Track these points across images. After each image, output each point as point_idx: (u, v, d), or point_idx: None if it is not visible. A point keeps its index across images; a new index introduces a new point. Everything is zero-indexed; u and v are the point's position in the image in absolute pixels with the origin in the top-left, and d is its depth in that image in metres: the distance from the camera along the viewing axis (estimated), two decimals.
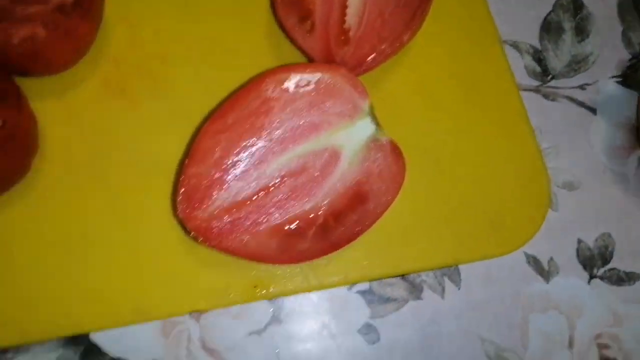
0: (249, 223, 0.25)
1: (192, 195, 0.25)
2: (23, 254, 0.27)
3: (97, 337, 0.27)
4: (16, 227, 0.28)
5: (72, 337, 0.27)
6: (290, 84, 0.26)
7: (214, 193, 0.25)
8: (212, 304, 0.28)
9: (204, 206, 0.25)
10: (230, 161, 0.26)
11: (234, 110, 0.26)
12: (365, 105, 0.27)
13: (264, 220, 0.25)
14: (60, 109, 0.29)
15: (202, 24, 0.32)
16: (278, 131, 0.26)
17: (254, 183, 0.25)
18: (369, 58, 0.27)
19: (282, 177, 0.25)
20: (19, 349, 0.27)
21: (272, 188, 0.25)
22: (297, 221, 0.25)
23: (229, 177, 0.25)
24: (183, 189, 0.25)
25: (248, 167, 0.26)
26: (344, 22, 0.27)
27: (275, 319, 0.28)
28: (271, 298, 0.28)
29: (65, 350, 0.27)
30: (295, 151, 0.26)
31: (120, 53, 0.31)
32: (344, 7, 0.27)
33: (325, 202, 0.25)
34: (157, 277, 0.27)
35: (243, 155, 0.26)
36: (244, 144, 0.26)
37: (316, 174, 0.26)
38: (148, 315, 0.27)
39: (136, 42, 0.31)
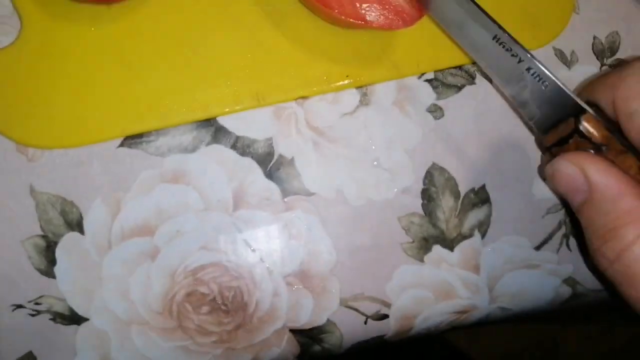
0: None
1: None
2: (156, 51, 0.31)
3: (224, 120, 0.33)
4: (144, 25, 0.31)
5: (204, 121, 0.32)
6: None
7: None
8: (313, 92, 0.33)
9: None
10: None
11: None
12: None
13: None
14: None
15: None
16: None
17: None
18: None
19: None
20: (159, 132, 0.32)
21: None
22: None
23: None
24: None
25: None
26: None
27: (362, 104, 0.34)
28: (359, 86, 0.34)
29: (199, 132, 0.32)
30: None
31: None
32: None
33: None
34: (272, 68, 0.32)
35: None
36: None
37: None
38: (264, 101, 0.32)
39: None
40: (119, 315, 0.30)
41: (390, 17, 0.31)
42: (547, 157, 0.30)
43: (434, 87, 0.35)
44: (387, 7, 0.30)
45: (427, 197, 0.34)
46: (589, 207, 0.25)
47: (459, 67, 0.35)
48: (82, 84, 0.31)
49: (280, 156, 0.33)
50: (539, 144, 0.34)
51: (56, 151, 0.31)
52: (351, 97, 0.34)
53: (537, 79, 0.28)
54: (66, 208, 0.31)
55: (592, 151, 0.26)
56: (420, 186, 0.34)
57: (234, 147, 0.33)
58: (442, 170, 0.34)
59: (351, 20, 0.30)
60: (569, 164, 0.26)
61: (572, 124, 0.26)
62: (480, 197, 0.34)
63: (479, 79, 0.35)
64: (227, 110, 0.32)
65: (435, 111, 0.35)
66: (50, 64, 0.31)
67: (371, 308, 0.33)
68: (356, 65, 0.33)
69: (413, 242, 0.33)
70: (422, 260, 0.33)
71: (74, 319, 0.30)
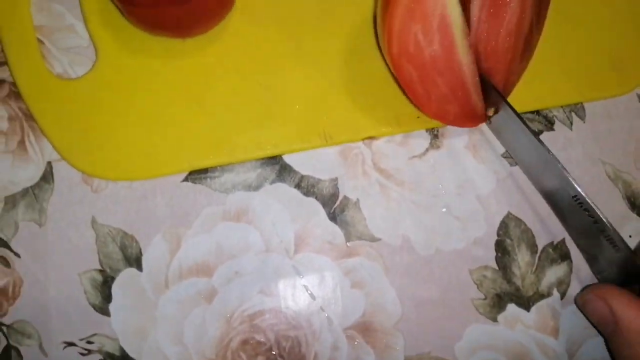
0: None
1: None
2: (227, 87, 0.30)
3: (289, 159, 0.30)
4: (216, 61, 0.30)
5: (269, 159, 0.30)
6: None
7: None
8: (382, 132, 0.30)
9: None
10: None
11: None
12: None
13: None
14: None
15: None
16: None
17: None
18: None
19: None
20: (224, 168, 0.29)
21: None
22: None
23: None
24: None
25: None
26: None
27: (433, 147, 0.31)
28: (431, 128, 0.31)
29: (264, 170, 0.30)
30: None
31: None
32: None
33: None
34: (341, 107, 0.30)
35: None
36: None
37: None
38: (331, 140, 0.30)
39: None
40: None
41: (463, 119, 0.29)
42: None
43: None
44: (465, 109, 0.28)
45: (502, 249, 0.30)
46: (618, 337, 0.25)
47: (537, 112, 0.32)
48: (151, 118, 0.29)
49: (345, 198, 0.30)
50: None
51: (120, 183, 0.29)
52: (421, 139, 0.31)
53: (610, 242, 0.26)
54: (126, 242, 0.28)
55: None
56: (494, 237, 0.30)
57: (298, 186, 0.30)
58: (518, 221, 0.30)
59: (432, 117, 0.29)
60: (596, 297, 0.26)
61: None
62: (560, 252, 0.30)
63: (558, 125, 0.32)
64: (294, 148, 0.30)
65: (511, 157, 0.31)
66: (122, 96, 0.29)
67: None
68: None
69: (485, 298, 0.29)
70: (495, 320, 0.29)
71: None
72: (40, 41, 0.30)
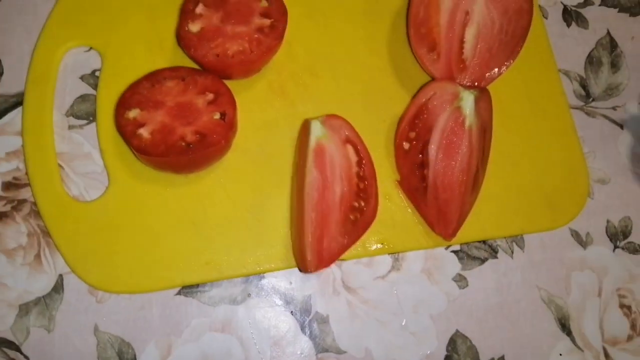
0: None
1: None
2: (220, 213, 0.34)
3: (271, 276, 0.34)
4: (213, 192, 0.35)
5: (253, 276, 0.34)
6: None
7: None
8: (350, 255, 0.35)
9: None
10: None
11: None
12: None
13: None
14: (238, 106, 0.34)
15: (343, 47, 0.38)
16: None
17: None
18: (481, 82, 0.34)
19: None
20: (213, 284, 0.34)
21: None
22: None
23: None
24: None
25: None
26: (462, 53, 0.34)
27: (394, 269, 0.35)
28: (392, 253, 0.35)
29: (248, 285, 0.34)
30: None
31: (280, 65, 0.37)
32: (462, 42, 0.34)
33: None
34: None
35: None
36: None
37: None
38: None
39: (291, 57, 0.37)
40: None
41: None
42: None
43: (460, 258, 0.36)
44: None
45: None
46: None
47: (484, 242, 0.37)
48: (152, 238, 0.33)
49: (317, 313, 0.34)
50: None
51: (122, 295, 0.33)
52: (384, 261, 0.36)
53: None
54: (123, 349, 0.32)
55: None
56: (444, 353, 0.34)
57: (276, 301, 0.34)
58: (464, 338, 0.35)
59: None
60: None
61: None
62: None
63: (501, 253, 0.37)
64: (275, 267, 0.34)
65: (460, 281, 0.36)
66: (128, 219, 0.33)
67: None
68: (390, 233, 0.35)
69: None
70: None
71: None
72: (60, 166, 0.34)
